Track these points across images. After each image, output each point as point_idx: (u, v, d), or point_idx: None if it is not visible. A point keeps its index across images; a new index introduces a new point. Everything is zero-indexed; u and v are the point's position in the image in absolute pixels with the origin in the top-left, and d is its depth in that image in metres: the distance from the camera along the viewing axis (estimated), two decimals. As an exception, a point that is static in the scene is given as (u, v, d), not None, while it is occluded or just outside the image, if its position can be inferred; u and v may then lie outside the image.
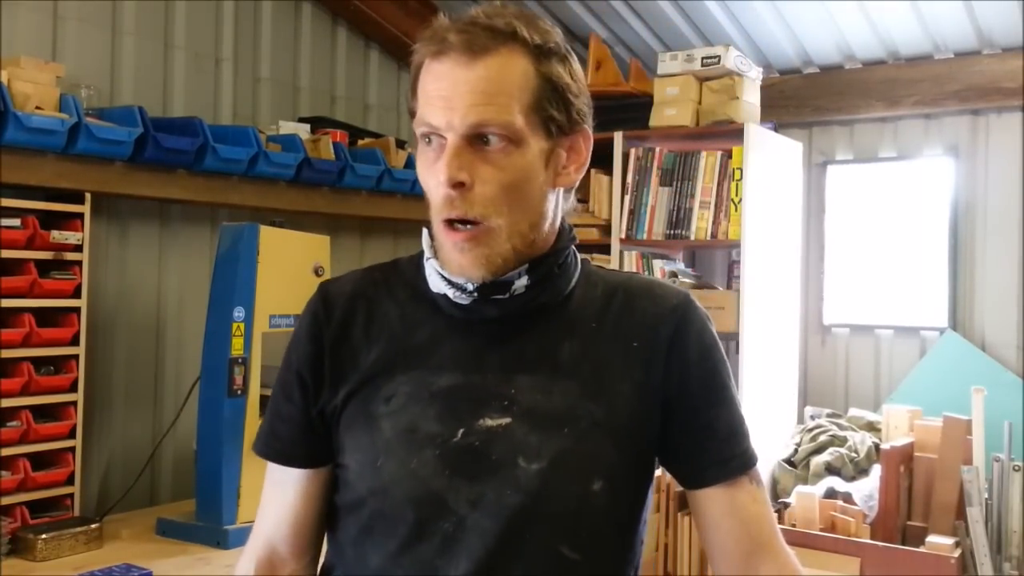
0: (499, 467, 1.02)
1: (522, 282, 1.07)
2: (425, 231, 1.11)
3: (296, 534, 1.16)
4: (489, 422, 1.04)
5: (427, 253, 1.10)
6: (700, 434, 1.11)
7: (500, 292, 1.07)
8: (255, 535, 1.18)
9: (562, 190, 1.12)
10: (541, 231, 1.08)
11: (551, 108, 1.05)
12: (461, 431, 1.03)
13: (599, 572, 1.06)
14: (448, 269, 1.06)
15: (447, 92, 1.01)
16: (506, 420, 1.03)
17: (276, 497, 1.17)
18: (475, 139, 1.02)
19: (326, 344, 1.12)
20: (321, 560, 1.20)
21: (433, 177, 1.04)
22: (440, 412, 1.05)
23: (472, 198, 1.02)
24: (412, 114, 1.08)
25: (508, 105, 1.01)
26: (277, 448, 1.16)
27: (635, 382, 1.08)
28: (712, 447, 1.11)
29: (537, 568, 1.02)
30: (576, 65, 1.10)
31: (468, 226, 1.03)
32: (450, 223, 1.03)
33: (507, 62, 1.02)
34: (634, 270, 3.55)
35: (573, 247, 1.15)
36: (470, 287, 1.06)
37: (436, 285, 1.09)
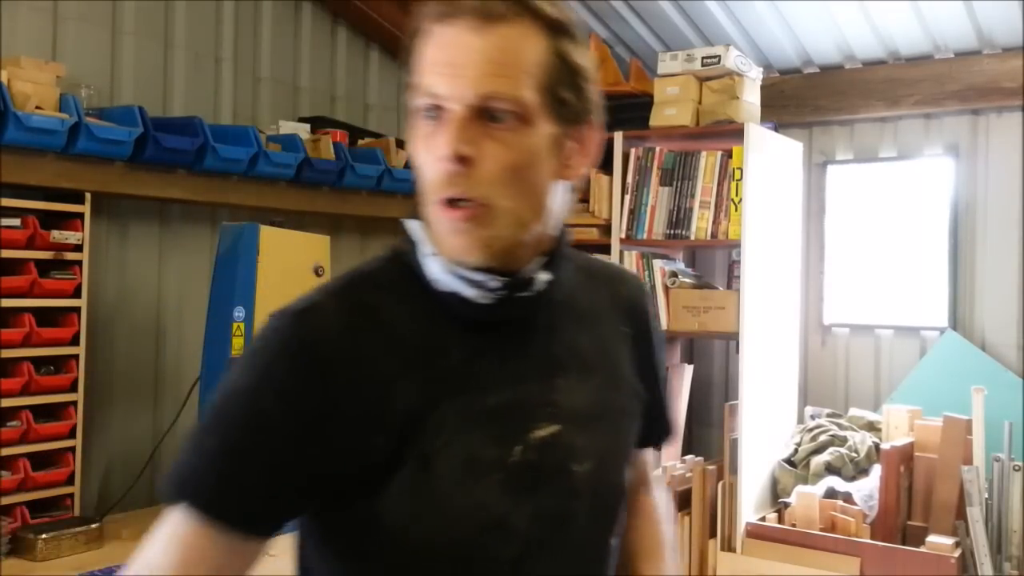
0: (554, 476, 1.00)
1: (544, 277, 1.01)
2: (415, 223, 1.00)
3: None
4: (540, 433, 0.99)
5: (428, 249, 0.99)
6: (656, 404, 1.20)
7: (523, 289, 0.99)
8: None
9: (564, 185, 1.03)
10: (544, 222, 1.00)
11: (563, 90, 0.96)
12: (518, 448, 0.98)
13: (617, 551, 1.12)
14: (444, 254, 0.96)
15: (455, 59, 0.92)
16: (555, 428, 1.00)
17: (194, 563, 0.92)
18: (482, 113, 0.92)
19: (334, 398, 0.92)
20: None
21: (431, 152, 0.94)
22: (494, 434, 0.97)
23: (475, 176, 0.92)
24: (411, 88, 0.97)
25: (520, 79, 0.93)
26: (241, 511, 0.92)
27: (632, 364, 1.13)
28: (662, 416, 1.24)
29: (593, 561, 1.06)
30: (590, 51, 1.03)
31: (468, 204, 0.93)
32: (449, 201, 0.94)
33: (522, 34, 0.94)
34: (634, 270, 3.55)
35: None
36: (492, 284, 0.96)
37: (447, 284, 0.97)
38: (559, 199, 1.02)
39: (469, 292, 0.97)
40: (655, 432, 1.24)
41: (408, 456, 0.93)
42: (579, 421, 1.02)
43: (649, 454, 1.30)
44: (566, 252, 1.06)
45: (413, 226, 1.00)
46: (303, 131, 3.45)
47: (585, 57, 0.99)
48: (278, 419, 0.92)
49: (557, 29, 0.96)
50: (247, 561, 0.94)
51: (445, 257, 0.96)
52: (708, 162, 3.46)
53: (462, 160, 0.91)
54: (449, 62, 0.92)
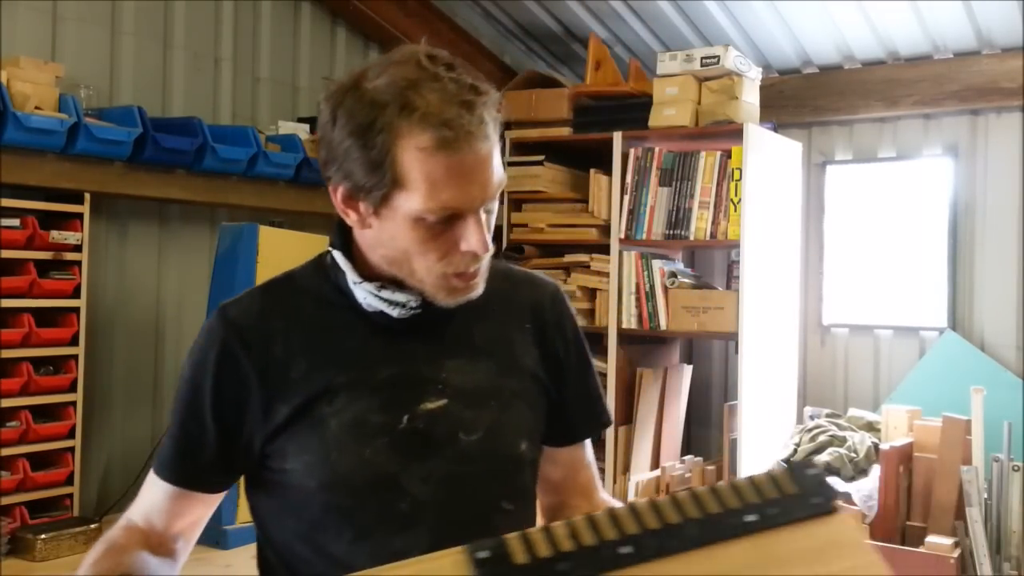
0: (443, 444, 1.13)
1: None
2: (339, 255, 1.17)
3: (174, 526, 1.20)
4: (429, 405, 1.14)
5: (354, 278, 1.15)
6: (582, 396, 1.30)
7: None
8: (133, 508, 1.22)
9: None
10: None
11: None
12: (406, 417, 1.12)
13: (525, 514, 1.23)
14: (448, 303, 1.13)
15: (473, 177, 1.07)
16: (443, 401, 1.15)
17: (163, 500, 1.18)
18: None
19: (249, 371, 1.13)
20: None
21: (441, 246, 1.09)
22: (383, 403, 1.13)
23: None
24: (377, 190, 1.07)
25: (500, 165, 1.11)
26: (188, 475, 1.17)
27: (533, 356, 1.24)
28: (590, 407, 1.32)
29: (485, 524, 1.13)
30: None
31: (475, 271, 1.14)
32: (462, 273, 1.12)
33: (493, 130, 1.09)
34: (633, 270, 3.56)
35: None
36: (413, 303, 1.14)
37: (372, 305, 1.15)
38: None
39: (393, 312, 1.15)
40: (583, 424, 1.32)
41: (304, 420, 1.12)
42: (467, 397, 1.16)
43: (589, 453, 1.35)
44: None
45: (339, 257, 1.17)
46: (302, 131, 3.45)
47: (497, 108, 1.12)
48: (208, 391, 1.13)
49: (491, 103, 1.09)
50: (198, 507, 1.19)
51: (442, 302, 1.13)
52: (707, 162, 3.46)
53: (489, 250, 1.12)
54: (469, 182, 1.06)
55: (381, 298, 1.14)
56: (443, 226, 1.08)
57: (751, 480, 0.88)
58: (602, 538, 0.82)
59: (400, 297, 1.14)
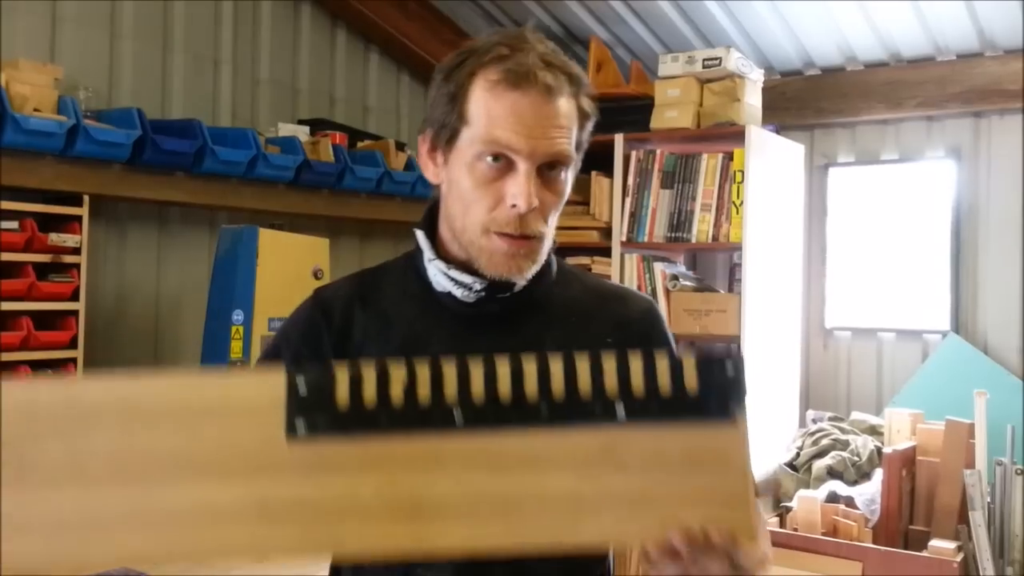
0: None
1: (523, 281, 1.18)
2: (420, 233, 1.21)
3: None
4: None
5: (429, 255, 1.19)
6: None
7: (504, 290, 1.17)
8: None
9: None
10: None
11: (581, 136, 1.18)
12: None
13: None
14: (489, 271, 1.15)
15: (532, 122, 1.10)
16: None
17: None
18: (543, 166, 1.12)
19: (328, 349, 1.21)
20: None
21: (493, 193, 1.12)
22: None
23: (534, 217, 1.12)
24: (448, 127, 1.13)
25: (571, 139, 1.14)
26: None
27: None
28: None
29: None
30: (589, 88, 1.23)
31: (525, 239, 1.14)
32: (507, 234, 1.13)
33: (571, 101, 1.14)
34: (634, 273, 3.55)
35: None
36: (477, 286, 1.16)
37: (442, 284, 1.19)
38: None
39: (458, 292, 1.17)
40: None
41: None
42: None
43: None
44: (563, 268, 1.28)
45: (419, 235, 1.21)
46: (302, 133, 3.44)
47: (588, 101, 1.18)
48: (294, 344, 1.23)
49: (581, 91, 1.17)
50: None
51: (489, 271, 1.15)
52: (709, 165, 3.45)
53: (532, 207, 1.11)
54: (527, 123, 1.09)
55: (449, 277, 1.17)
56: (496, 172, 1.11)
57: (651, 360, 0.80)
58: (445, 395, 0.77)
59: (466, 279, 1.16)
